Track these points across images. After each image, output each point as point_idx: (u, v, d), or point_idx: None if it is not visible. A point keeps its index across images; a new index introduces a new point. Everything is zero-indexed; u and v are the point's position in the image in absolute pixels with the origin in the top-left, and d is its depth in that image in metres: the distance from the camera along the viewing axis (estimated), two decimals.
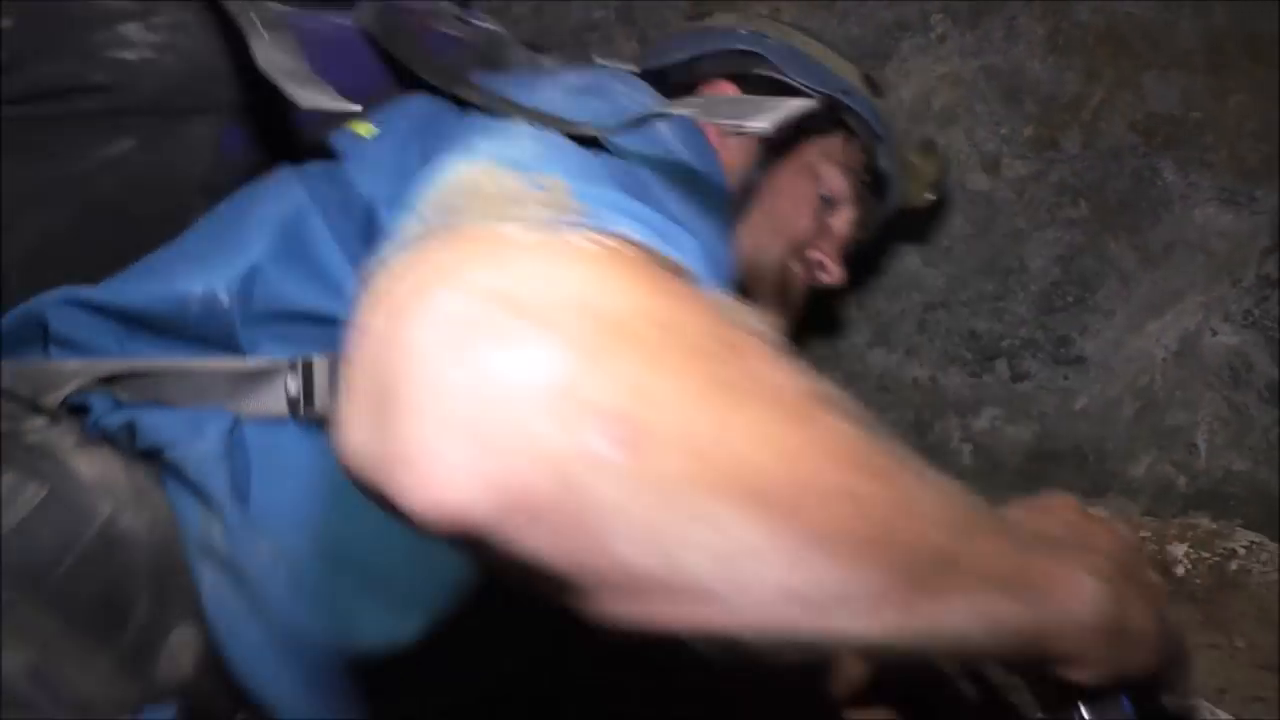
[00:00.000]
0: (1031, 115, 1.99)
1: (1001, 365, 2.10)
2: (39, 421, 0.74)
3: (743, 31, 1.41)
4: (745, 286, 1.33)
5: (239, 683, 0.73)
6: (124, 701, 0.67)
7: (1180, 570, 1.34)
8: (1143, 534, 1.40)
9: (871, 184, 1.47)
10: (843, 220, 1.43)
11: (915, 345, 2.16)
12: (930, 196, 1.51)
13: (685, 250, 0.55)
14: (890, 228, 1.83)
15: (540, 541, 0.43)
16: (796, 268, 1.39)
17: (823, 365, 2.26)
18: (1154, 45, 1.89)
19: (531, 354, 0.40)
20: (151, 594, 0.70)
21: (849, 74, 1.41)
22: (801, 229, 1.37)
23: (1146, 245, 1.96)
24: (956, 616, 0.50)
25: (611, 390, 0.41)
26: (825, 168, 1.40)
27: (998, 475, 2.04)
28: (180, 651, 0.72)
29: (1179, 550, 1.35)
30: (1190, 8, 1.86)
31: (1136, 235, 1.96)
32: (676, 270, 0.53)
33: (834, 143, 1.41)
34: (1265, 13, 1.82)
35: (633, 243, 0.51)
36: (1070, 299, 2.04)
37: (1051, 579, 0.55)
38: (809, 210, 1.37)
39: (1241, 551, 1.30)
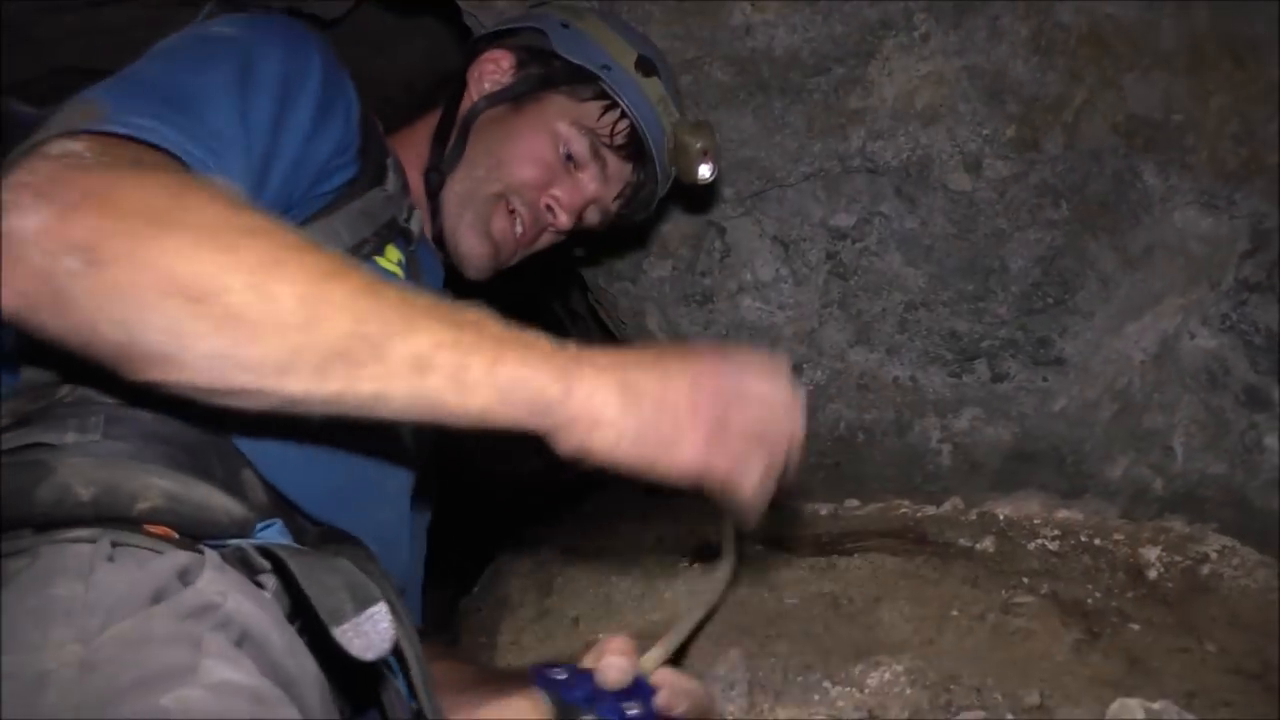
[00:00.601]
0: (1014, 115, 1.98)
1: (982, 366, 2.10)
2: None
3: (537, 11, 1.64)
4: (454, 204, 1.49)
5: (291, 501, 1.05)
6: (245, 519, 0.94)
7: (1153, 573, 1.34)
8: (1116, 537, 1.41)
9: (632, 153, 1.55)
10: (587, 178, 1.53)
11: (896, 345, 2.16)
12: (704, 174, 1.58)
13: (173, 142, 0.90)
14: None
15: (61, 328, 0.78)
16: (521, 209, 1.50)
17: (803, 363, 2.25)
18: (1136, 46, 1.88)
19: (29, 214, 0.76)
20: (217, 451, 0.98)
21: (621, 55, 1.53)
22: (528, 175, 1.49)
23: (1126, 247, 1.95)
24: (366, 385, 0.81)
25: (80, 230, 0.76)
26: (567, 128, 1.51)
27: (976, 475, 2.04)
28: (251, 483, 1.00)
29: (1152, 553, 1.35)
30: (1172, 8, 1.85)
31: (1116, 237, 1.96)
32: (159, 156, 0.89)
33: (588, 109, 1.52)
34: (1247, 14, 1.82)
35: (125, 138, 0.87)
36: (1050, 300, 2.03)
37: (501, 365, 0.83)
38: (539, 161, 1.50)
39: (1214, 556, 1.31)
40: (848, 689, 1.30)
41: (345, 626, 0.83)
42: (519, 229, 1.52)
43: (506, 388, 0.83)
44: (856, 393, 2.20)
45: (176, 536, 0.88)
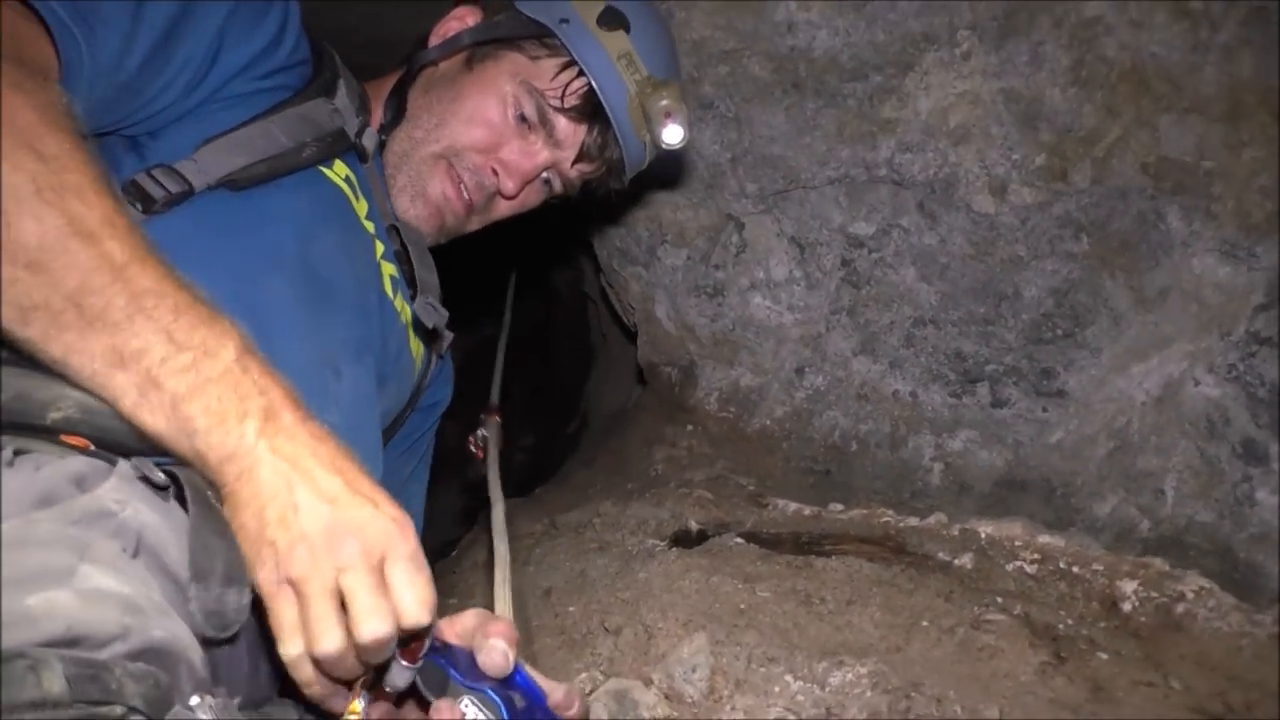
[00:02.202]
0: (1045, 144, 1.98)
1: (983, 389, 2.10)
2: None
3: None
4: (391, 164, 1.41)
5: None
6: None
7: (1127, 606, 1.33)
8: (1095, 567, 1.40)
9: (587, 114, 1.44)
10: (538, 143, 1.44)
11: (900, 359, 2.16)
12: (669, 138, 1.47)
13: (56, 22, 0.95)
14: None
15: None
16: (464, 172, 1.42)
17: (806, 367, 2.25)
18: (1176, 88, 1.88)
19: None
20: None
21: (586, 10, 1.42)
22: (470, 137, 1.41)
23: (1142, 288, 1.95)
24: (55, 348, 0.81)
25: None
26: (515, 88, 1.42)
27: (964, 496, 2.03)
28: None
29: (1129, 587, 1.34)
30: (1217, 55, 1.84)
31: (1133, 277, 1.96)
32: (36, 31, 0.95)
33: (543, 68, 1.43)
34: None
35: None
36: (1060, 332, 2.03)
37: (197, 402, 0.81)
38: (484, 122, 1.41)
39: (1190, 595, 1.30)
40: (809, 685, 1.29)
41: (203, 590, 0.82)
42: (464, 194, 1.44)
43: (182, 427, 0.82)
44: (855, 402, 2.20)
45: (92, 448, 0.88)
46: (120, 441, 0.88)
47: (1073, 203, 1.99)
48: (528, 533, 2.03)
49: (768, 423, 2.28)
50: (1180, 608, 1.30)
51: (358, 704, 0.87)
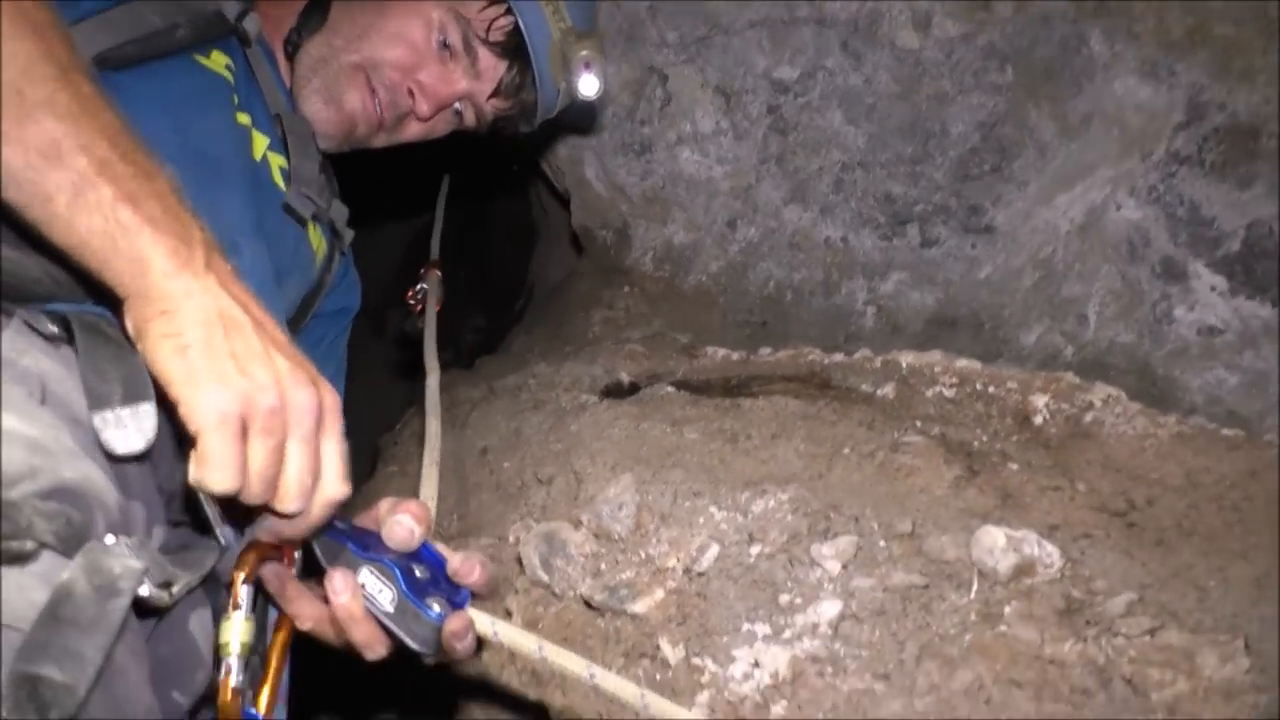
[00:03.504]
0: None
1: (913, 230, 2.09)
2: None
3: None
4: (306, 67, 1.41)
5: None
6: (56, 285, 0.90)
7: (1039, 420, 1.36)
8: (1010, 385, 1.43)
9: (509, 52, 1.47)
10: (458, 71, 1.46)
11: (830, 204, 2.14)
12: (585, 89, 1.50)
13: None
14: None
15: None
16: (380, 88, 1.43)
17: (738, 220, 2.23)
18: None
19: None
20: None
21: None
22: (392, 54, 1.43)
23: (1066, 116, 1.93)
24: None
25: None
26: (442, 14, 1.43)
27: (897, 337, 2.05)
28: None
29: (1040, 401, 1.37)
30: None
31: (1058, 105, 1.94)
32: None
33: (471, 3, 1.45)
34: None
35: None
36: (987, 167, 2.02)
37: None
38: (407, 42, 1.43)
39: (1098, 404, 1.33)
40: (732, 514, 1.32)
41: (106, 413, 0.81)
42: (378, 109, 1.43)
43: (119, 229, 0.78)
44: (788, 251, 2.19)
45: None
46: (18, 288, 0.87)
47: (997, 32, 1.95)
48: (466, 399, 2.03)
49: (703, 279, 2.27)
50: (1089, 416, 1.33)
51: (241, 593, 0.88)
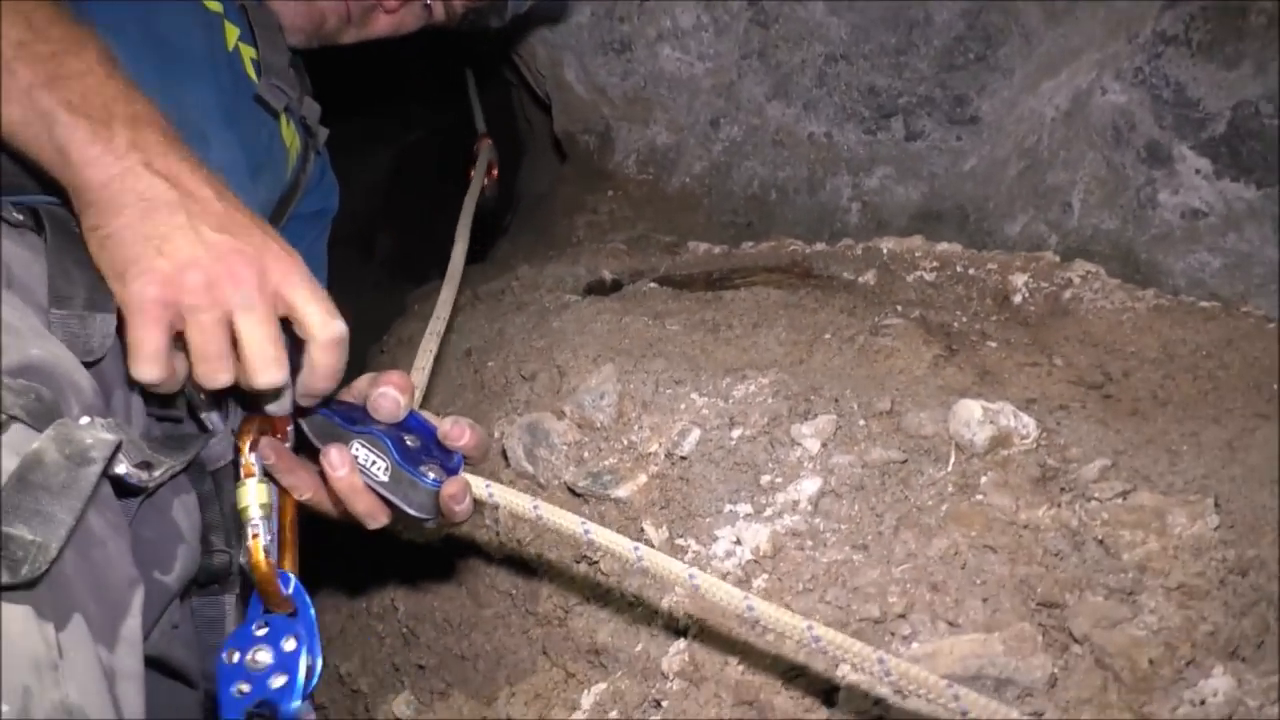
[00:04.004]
0: None
1: (897, 123, 2.07)
2: None
3: None
4: None
5: None
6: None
7: (1018, 298, 1.36)
8: (990, 266, 1.42)
9: None
10: None
11: (814, 99, 2.11)
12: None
13: None
14: None
15: None
16: None
17: (721, 118, 2.20)
18: None
19: None
20: None
21: None
22: None
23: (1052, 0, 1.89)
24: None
25: None
26: None
27: (882, 232, 2.04)
28: None
29: (1020, 280, 1.37)
30: None
31: None
32: None
33: None
34: None
35: None
36: (972, 56, 1.98)
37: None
38: None
39: (1077, 280, 1.33)
40: (713, 400, 1.33)
41: (64, 313, 0.79)
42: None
43: (38, 116, 0.75)
44: (772, 149, 2.16)
45: None
46: None
47: None
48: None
49: (687, 180, 2.25)
50: (1068, 293, 1.33)
51: (251, 460, 0.89)
